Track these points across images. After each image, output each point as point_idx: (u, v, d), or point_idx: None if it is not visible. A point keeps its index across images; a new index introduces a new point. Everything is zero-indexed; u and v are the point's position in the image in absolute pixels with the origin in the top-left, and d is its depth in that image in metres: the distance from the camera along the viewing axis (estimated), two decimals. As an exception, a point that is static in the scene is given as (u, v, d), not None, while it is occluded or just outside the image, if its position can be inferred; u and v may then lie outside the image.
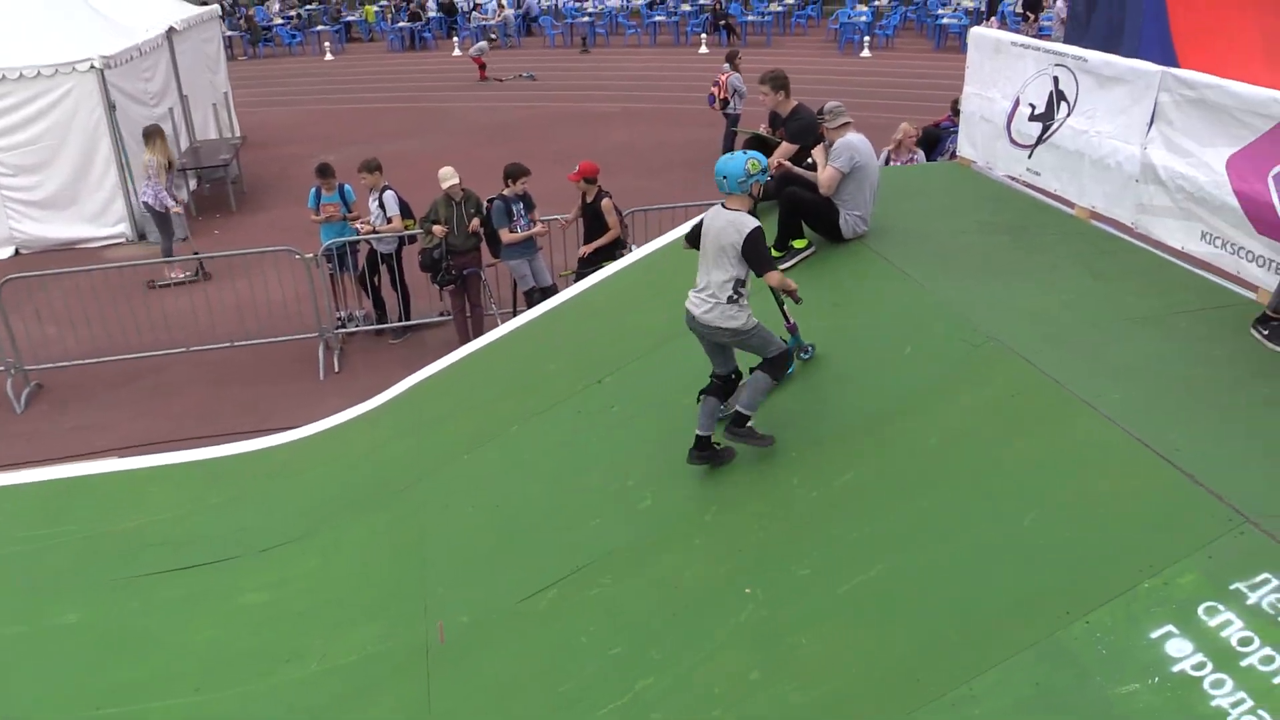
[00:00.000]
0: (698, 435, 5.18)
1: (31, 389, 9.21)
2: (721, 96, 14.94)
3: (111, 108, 12.94)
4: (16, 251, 13.13)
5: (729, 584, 4.55)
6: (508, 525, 5.67)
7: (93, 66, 12.69)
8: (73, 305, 9.53)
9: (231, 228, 13.88)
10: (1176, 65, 6.53)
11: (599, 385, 6.33)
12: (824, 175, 6.42)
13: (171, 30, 15.62)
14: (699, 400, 5.28)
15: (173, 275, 11.59)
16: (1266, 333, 4.96)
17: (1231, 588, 3.46)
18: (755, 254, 4.83)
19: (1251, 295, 5.40)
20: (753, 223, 4.83)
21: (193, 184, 15.23)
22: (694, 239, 5.21)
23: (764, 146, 7.47)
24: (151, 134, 12.00)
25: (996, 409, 4.81)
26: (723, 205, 5.02)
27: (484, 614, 5.12)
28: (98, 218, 13.38)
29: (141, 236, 13.48)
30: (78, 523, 6.59)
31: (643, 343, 6.58)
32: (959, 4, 30.73)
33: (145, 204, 12.04)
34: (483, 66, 24.12)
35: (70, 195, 13.20)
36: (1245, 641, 3.29)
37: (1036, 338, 5.14)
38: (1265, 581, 3.44)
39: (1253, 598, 3.40)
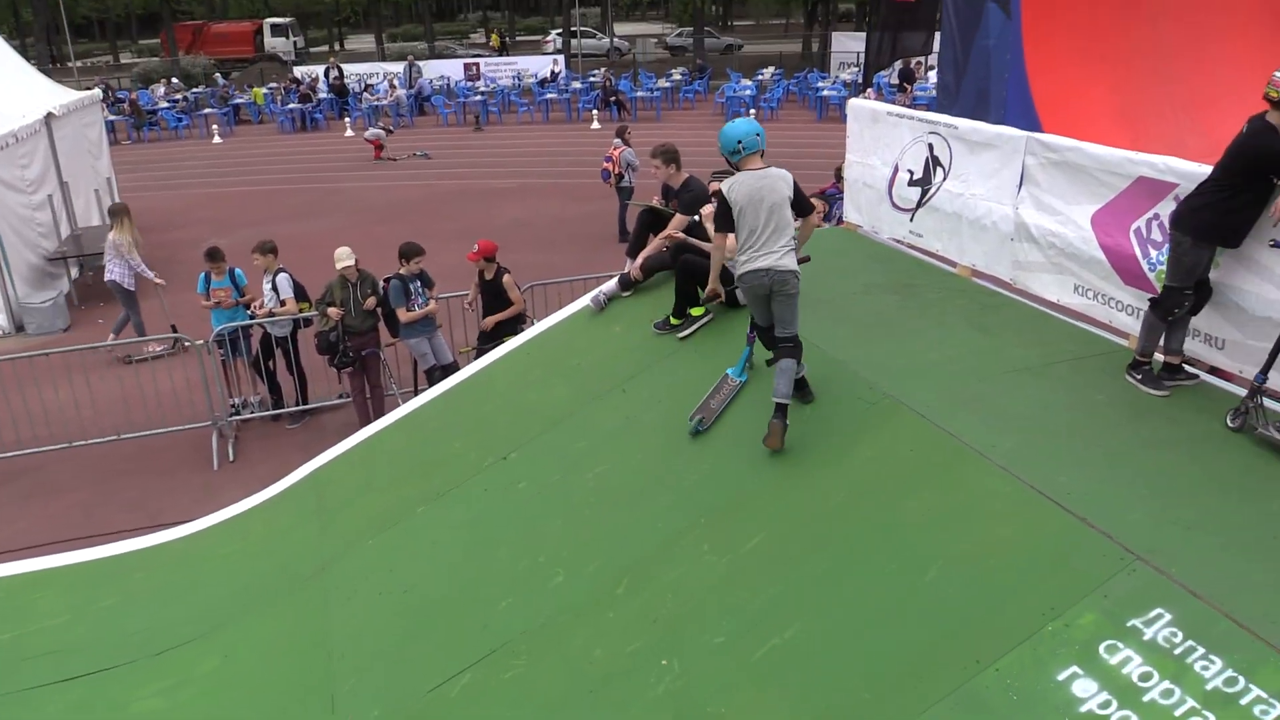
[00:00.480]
0: (779, 404, 5.21)
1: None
2: (616, 171, 15.23)
3: (-15, 196, 12.46)
4: (-120, 350, 12.39)
5: (645, 657, 4.51)
6: (417, 611, 5.51)
7: (-36, 155, 12.23)
8: (-58, 404, 9.01)
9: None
10: (1040, 129, 6.94)
11: (504, 462, 6.27)
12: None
13: (50, 116, 15.18)
14: (771, 365, 5.40)
15: (149, 350, 11.31)
16: (1140, 377, 5.24)
17: (1129, 625, 3.59)
18: (801, 192, 5.40)
19: (1124, 342, 5.70)
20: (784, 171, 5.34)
21: (74, 272, 14.69)
22: (726, 217, 5.32)
23: (658, 219, 7.64)
24: (118, 212, 11.86)
25: (896, 464, 4.93)
26: (739, 171, 5.34)
27: (395, 706, 4.94)
28: (-30, 311, 12.77)
29: (19, 329, 12.90)
30: (-53, 638, 6.14)
31: (547, 417, 6.56)
32: (837, 77, 32.22)
33: (113, 282, 11.76)
34: (379, 146, 24.11)
35: (-60, 288, 12.59)
36: (1145, 677, 3.41)
37: (929, 392, 5.31)
38: (1159, 616, 3.58)
39: (1149, 633, 3.54)
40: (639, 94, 30.30)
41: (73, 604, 6.50)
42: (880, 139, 8.07)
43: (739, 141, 5.35)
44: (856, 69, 32.20)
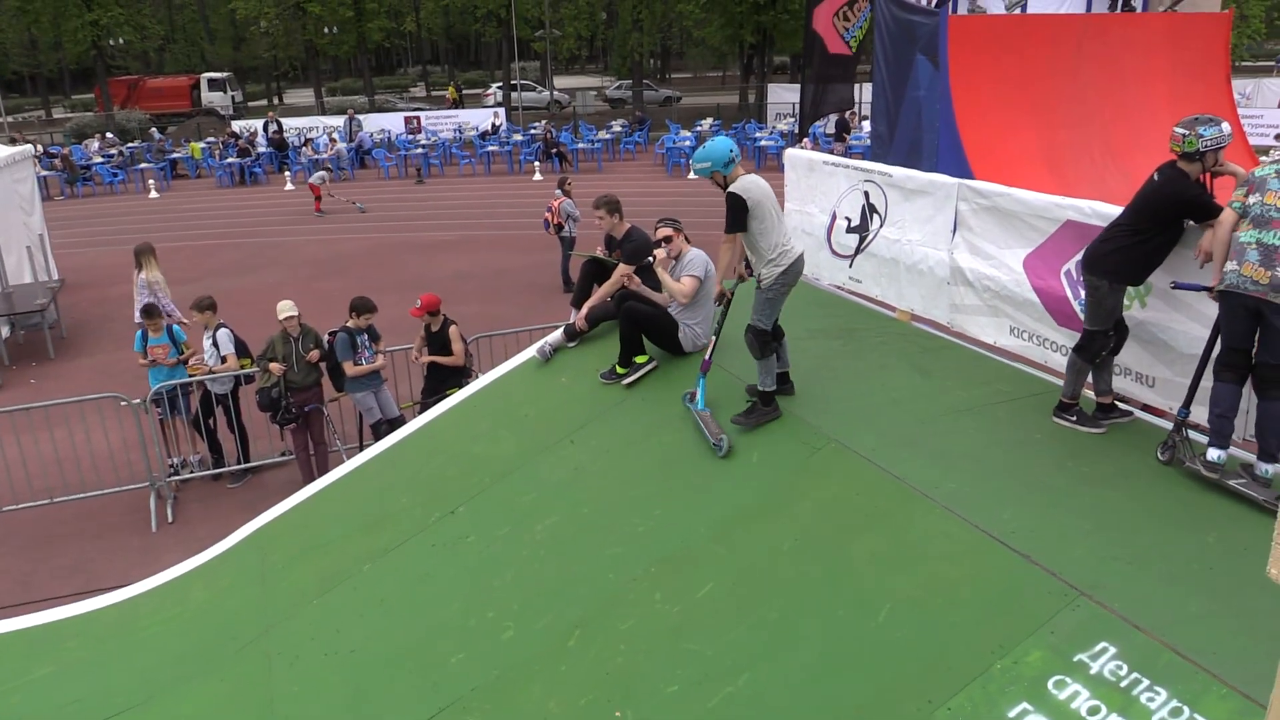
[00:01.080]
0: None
1: None
2: (555, 221, 15.32)
3: (-91, 256, 12.13)
4: None
5: (598, 709, 4.46)
6: (365, 672, 5.39)
7: (-112, 214, 11.91)
8: None
9: (50, 375, 13.04)
10: (971, 176, 7.17)
11: (452, 516, 6.21)
12: (686, 284, 6.64)
13: (-22, 174, 14.87)
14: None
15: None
16: (1074, 418, 5.37)
17: (1075, 659, 3.65)
18: None
19: (1059, 382, 5.85)
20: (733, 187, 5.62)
21: (5, 331, 14.30)
22: (742, 217, 5.53)
23: (602, 269, 7.70)
24: (143, 252, 11.77)
25: (842, 508, 4.99)
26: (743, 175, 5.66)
27: (343, 770, 4.82)
28: (-107, 374, 12.35)
29: (-56, 391, 12.48)
30: None
31: (494, 469, 6.52)
32: (774, 127, 32.91)
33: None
34: (319, 197, 23.94)
35: None
36: (1094, 710, 3.47)
37: (873, 435, 5.39)
38: (1104, 650, 3.65)
39: (1095, 667, 3.60)
40: (580, 146, 30.60)
41: (4, 675, 6.24)
42: (817, 187, 8.25)
43: (731, 150, 5.71)
44: (792, 120, 32.95)
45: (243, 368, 9.37)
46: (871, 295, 7.68)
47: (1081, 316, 5.63)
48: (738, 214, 5.50)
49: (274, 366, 8.77)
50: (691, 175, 26.85)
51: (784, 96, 37.63)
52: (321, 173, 24.94)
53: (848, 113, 25.18)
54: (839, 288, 8.08)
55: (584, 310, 7.47)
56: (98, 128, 38.66)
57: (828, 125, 27.97)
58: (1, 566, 8.21)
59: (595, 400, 6.69)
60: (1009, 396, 5.84)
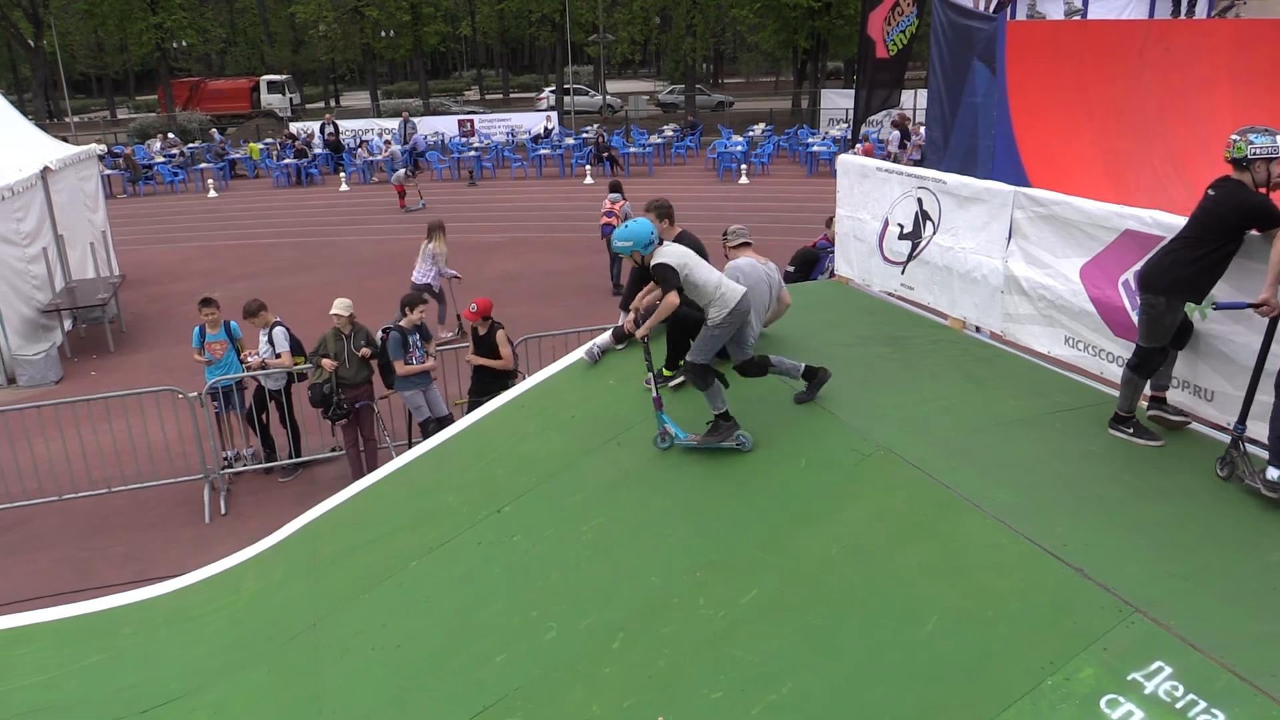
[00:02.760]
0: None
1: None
2: (618, 224, 15.32)
3: (-20, 250, 12.51)
4: None
5: (641, 713, 4.45)
6: (410, 667, 5.44)
7: (-40, 209, 12.30)
8: (-69, 458, 8.96)
9: (110, 368, 13.37)
10: (1027, 184, 7.06)
11: (499, 515, 6.24)
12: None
13: (46, 170, 15.30)
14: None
15: (443, 334, 13.49)
16: (1131, 430, 5.26)
17: (1129, 678, 3.57)
18: None
19: (1116, 394, 5.74)
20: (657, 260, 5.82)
21: (68, 325, 14.70)
22: (674, 278, 5.80)
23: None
24: (435, 227, 13.62)
25: (890, 516, 4.93)
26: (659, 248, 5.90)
27: (386, 764, 4.86)
28: (-37, 364, 12.75)
29: (12, 381, 12.86)
30: (-71, 698, 6.04)
31: (541, 469, 6.55)
32: (827, 133, 32.71)
33: (428, 284, 13.35)
34: (402, 194, 24.35)
35: (-67, 341, 12.59)
36: (1146, 731, 3.38)
37: (923, 444, 5.33)
38: (1159, 670, 3.56)
39: (1150, 686, 3.52)
40: (631, 150, 30.68)
41: (59, 661, 6.40)
42: (870, 194, 8.19)
43: (652, 234, 5.93)
44: (845, 125, 32.73)
45: (296, 364, 9.53)
46: (923, 303, 7.60)
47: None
48: (670, 277, 5.71)
49: (326, 363, 8.90)
50: (743, 180, 26.80)
51: (837, 102, 37.42)
52: (401, 171, 25.37)
53: (905, 120, 24.92)
54: (890, 294, 8.00)
55: (633, 313, 7.47)
56: (160, 128, 39.59)
57: (881, 130, 27.73)
58: (61, 554, 8.42)
59: (642, 403, 6.68)
60: (1063, 407, 5.74)
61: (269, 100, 49.09)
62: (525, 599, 5.50)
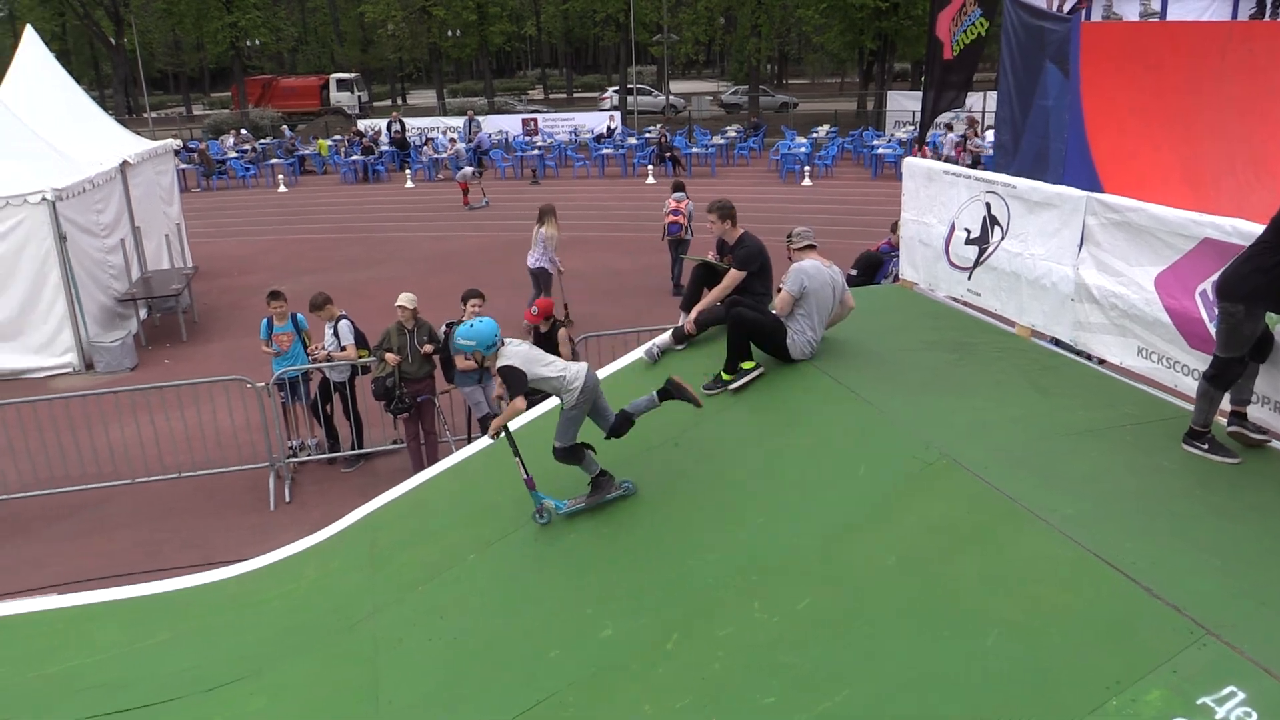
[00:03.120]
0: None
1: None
2: (686, 223, 15.31)
3: (62, 239, 12.94)
4: (-43, 384, 12.86)
5: (693, 714, 4.44)
6: (465, 659, 5.50)
7: (44, 199, 12.74)
8: (14, 436, 9.30)
9: (182, 357, 13.76)
10: (1100, 189, 6.89)
11: (554, 512, 6.28)
12: (778, 299, 6.64)
13: (125, 164, 15.78)
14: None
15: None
16: (1206, 446, 5.10)
17: (1199, 702, 3.45)
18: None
19: (1191, 407, 5.57)
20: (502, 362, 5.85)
21: (143, 314, 15.14)
22: (521, 384, 5.85)
23: (712, 273, 7.69)
24: (546, 211, 13.88)
25: (951, 526, 4.85)
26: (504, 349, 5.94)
27: (440, 754, 4.92)
28: (44, 348, 13.21)
29: (89, 367, 13.29)
30: (8, 666, 6.26)
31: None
32: (893, 135, 32.31)
33: (540, 269, 13.71)
34: (466, 192, 24.68)
35: (17, 326, 13.07)
36: (1215, 757, 3.28)
37: (986, 452, 5.23)
38: (1231, 695, 3.44)
39: (1220, 712, 3.40)
40: (694, 150, 30.65)
41: (127, 638, 6.60)
42: (936, 198, 8.06)
43: (496, 335, 5.91)
44: (911, 128, 32.33)
45: (360, 357, 9.69)
46: (990, 309, 7.46)
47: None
48: (518, 383, 5.79)
49: (390, 357, 9.04)
50: (806, 182, 26.61)
51: (904, 104, 36.99)
52: (467, 169, 25.71)
53: (974, 122, 24.53)
54: (955, 300, 7.87)
55: (693, 314, 7.47)
56: (233, 124, 40.60)
57: (945, 133, 27.32)
58: (133, 536, 8.68)
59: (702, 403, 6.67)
60: (1135, 420, 5.59)
61: (338, 98, 50.07)
62: (580, 596, 5.53)
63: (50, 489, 9.05)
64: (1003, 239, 7.25)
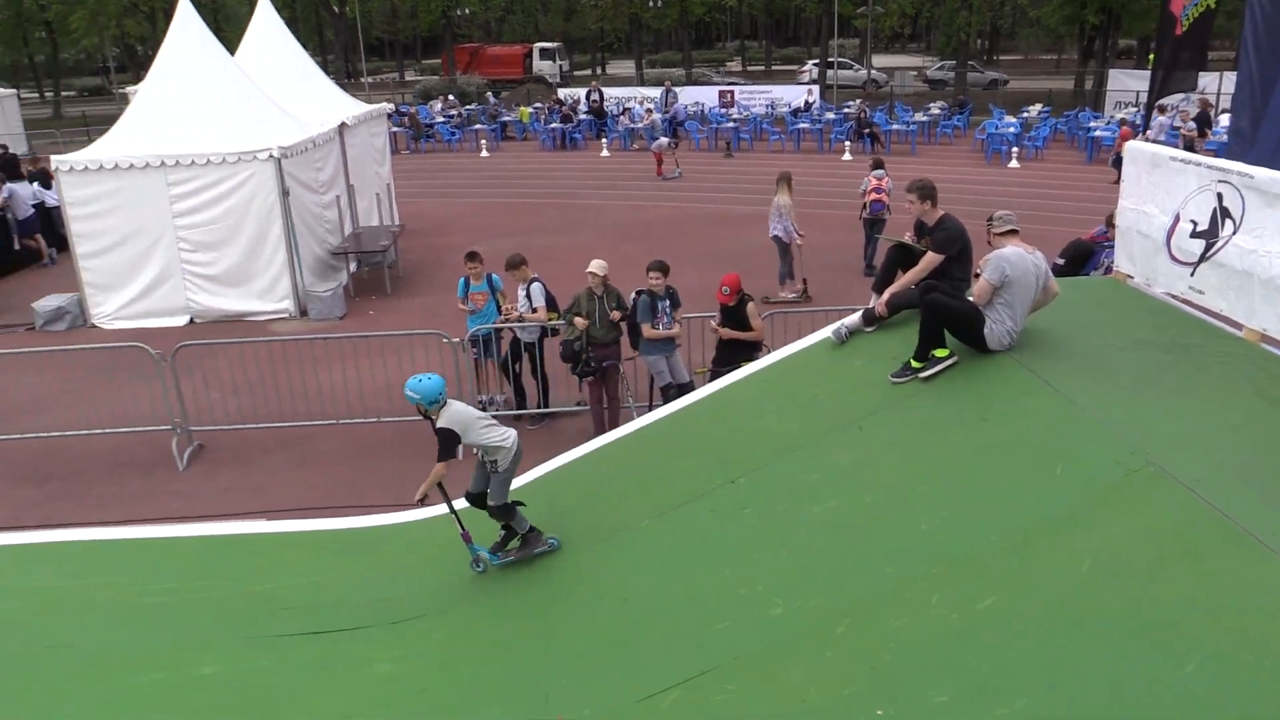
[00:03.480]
0: None
1: (193, 449, 9.78)
2: (887, 201, 14.94)
3: (285, 193, 13.95)
4: (190, 320, 14.18)
5: (860, 704, 4.37)
6: (633, 620, 5.62)
7: (271, 156, 13.76)
8: (236, 373, 10.18)
9: (385, 309, 14.60)
10: (1357, 185, 6.21)
11: (733, 485, 6.29)
12: (976, 286, 6.37)
13: (343, 125, 16.80)
14: None
15: (783, 294, 13.90)
16: None
17: None
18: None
19: None
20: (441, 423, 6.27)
21: (353, 267, 16.15)
22: (453, 447, 6.39)
23: (908, 255, 7.46)
24: (783, 178, 14.17)
25: (1155, 540, 4.53)
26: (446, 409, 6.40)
27: (605, 710, 5.04)
28: (265, 294, 14.33)
29: (303, 314, 14.31)
30: (222, 579, 6.88)
31: (778, 445, 6.53)
32: (1112, 117, 30.18)
33: (776, 237, 14.03)
34: (660, 162, 24.99)
35: (242, 272, 14.21)
36: None
37: (1201, 464, 4.85)
38: None
39: None
40: (894, 127, 29.70)
41: (325, 566, 7.13)
42: (1160, 185, 7.48)
43: (440, 393, 6.32)
44: (1134, 109, 30.12)
45: (550, 320, 9.99)
46: (1214, 309, 6.88)
47: None
48: (448, 445, 6.23)
49: (579, 321, 9.27)
50: (1013, 164, 25.33)
51: (1127, 84, 34.47)
52: (662, 139, 26.00)
53: (1208, 105, 22.62)
54: (1174, 297, 7.31)
55: (885, 295, 7.27)
56: (442, 90, 42.40)
57: (1175, 118, 25.29)
58: (335, 473, 9.33)
59: (889, 388, 6.51)
60: (1379, 442, 5.05)
61: (540, 66, 51.40)
62: (752, 572, 5.52)
63: (267, 423, 9.84)
64: (1235, 233, 6.65)
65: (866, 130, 28.45)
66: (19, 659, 5.99)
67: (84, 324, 14.25)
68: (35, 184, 18.81)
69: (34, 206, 18.17)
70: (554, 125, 31.92)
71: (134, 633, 6.35)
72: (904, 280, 7.26)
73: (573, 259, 13.20)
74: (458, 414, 6.39)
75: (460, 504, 6.68)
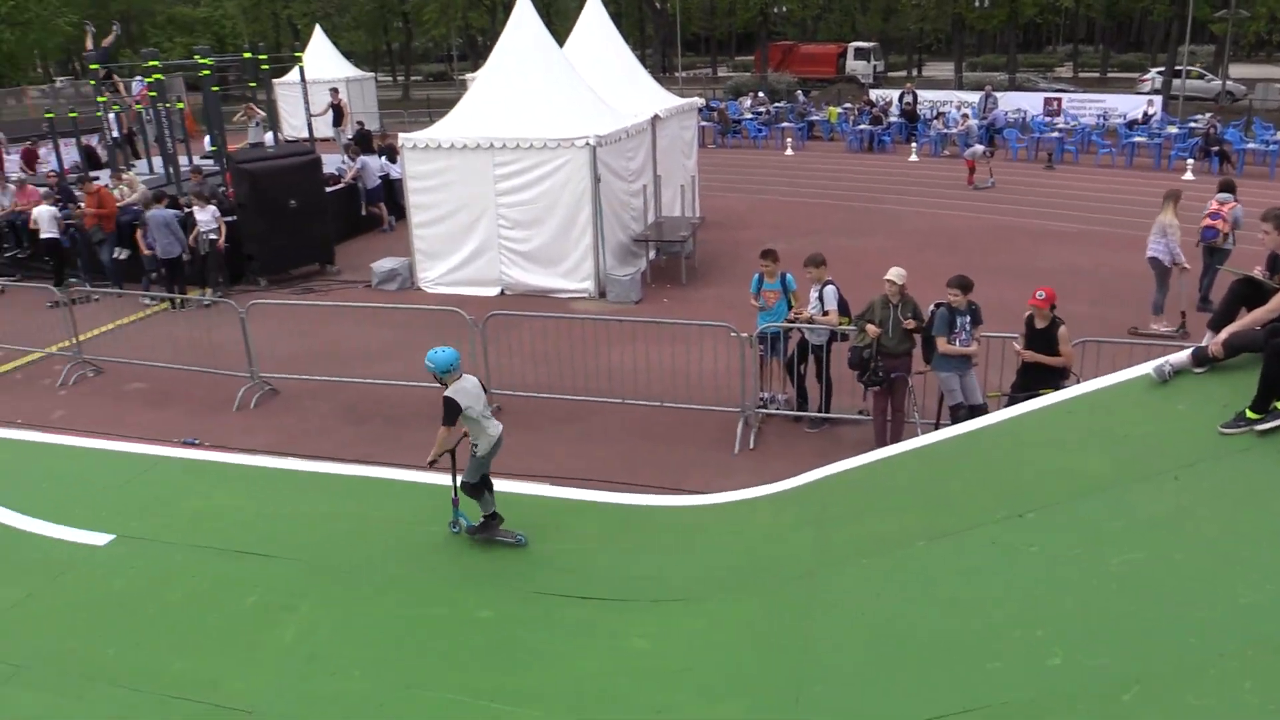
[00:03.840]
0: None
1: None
2: (1225, 230, 13.21)
3: (596, 180, 14.67)
4: (501, 292, 15.31)
5: (1146, 778, 3.98)
6: (895, 642, 5.43)
7: (587, 144, 14.51)
8: (537, 345, 10.85)
9: (679, 298, 15.01)
10: None
11: (1020, 519, 5.91)
12: None
13: (656, 117, 17.40)
14: None
15: (1155, 327, 12.50)
16: None
17: None
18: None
19: None
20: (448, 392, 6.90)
21: (652, 254, 16.74)
22: (454, 415, 6.97)
23: (1256, 291, 6.66)
24: (1170, 196, 12.79)
25: None
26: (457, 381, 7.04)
27: (857, 726, 4.93)
28: (570, 273, 15.18)
29: (602, 295, 15.02)
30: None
31: (1075, 484, 6.05)
32: None
33: (1154, 258, 12.74)
34: (972, 170, 24.04)
35: (552, 251, 15.14)
36: None
37: None
38: None
39: None
40: (1250, 146, 26.46)
41: (596, 535, 7.49)
42: None
43: (451, 364, 6.97)
44: None
45: (841, 324, 9.82)
46: None
47: None
48: (450, 412, 6.81)
49: (871, 328, 9.05)
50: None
51: None
52: (977, 147, 24.98)
53: None
54: None
55: (1223, 335, 6.52)
56: (751, 87, 42.86)
57: None
58: (614, 450, 9.73)
59: (1215, 438, 5.85)
60: None
61: (853, 66, 50.63)
62: (1031, 615, 5.18)
63: (559, 394, 10.43)
64: None
65: (1215, 148, 25.56)
66: (323, 576, 6.83)
67: (410, 286, 15.81)
68: (383, 158, 21.20)
69: (380, 178, 20.57)
70: (862, 126, 31.33)
71: (419, 569, 7.01)
72: (1248, 320, 6.47)
73: (867, 262, 12.94)
74: (465, 389, 6.99)
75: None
